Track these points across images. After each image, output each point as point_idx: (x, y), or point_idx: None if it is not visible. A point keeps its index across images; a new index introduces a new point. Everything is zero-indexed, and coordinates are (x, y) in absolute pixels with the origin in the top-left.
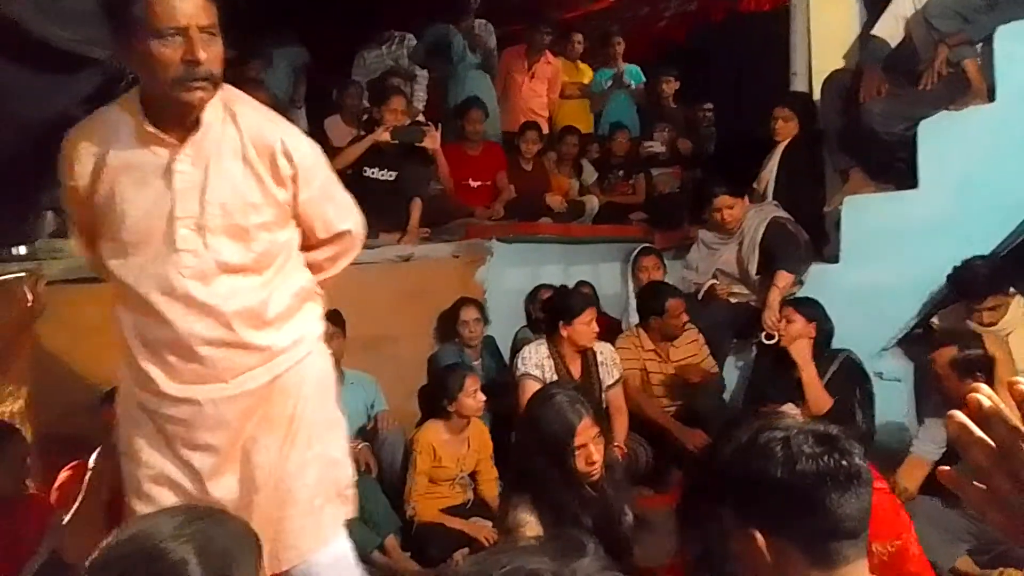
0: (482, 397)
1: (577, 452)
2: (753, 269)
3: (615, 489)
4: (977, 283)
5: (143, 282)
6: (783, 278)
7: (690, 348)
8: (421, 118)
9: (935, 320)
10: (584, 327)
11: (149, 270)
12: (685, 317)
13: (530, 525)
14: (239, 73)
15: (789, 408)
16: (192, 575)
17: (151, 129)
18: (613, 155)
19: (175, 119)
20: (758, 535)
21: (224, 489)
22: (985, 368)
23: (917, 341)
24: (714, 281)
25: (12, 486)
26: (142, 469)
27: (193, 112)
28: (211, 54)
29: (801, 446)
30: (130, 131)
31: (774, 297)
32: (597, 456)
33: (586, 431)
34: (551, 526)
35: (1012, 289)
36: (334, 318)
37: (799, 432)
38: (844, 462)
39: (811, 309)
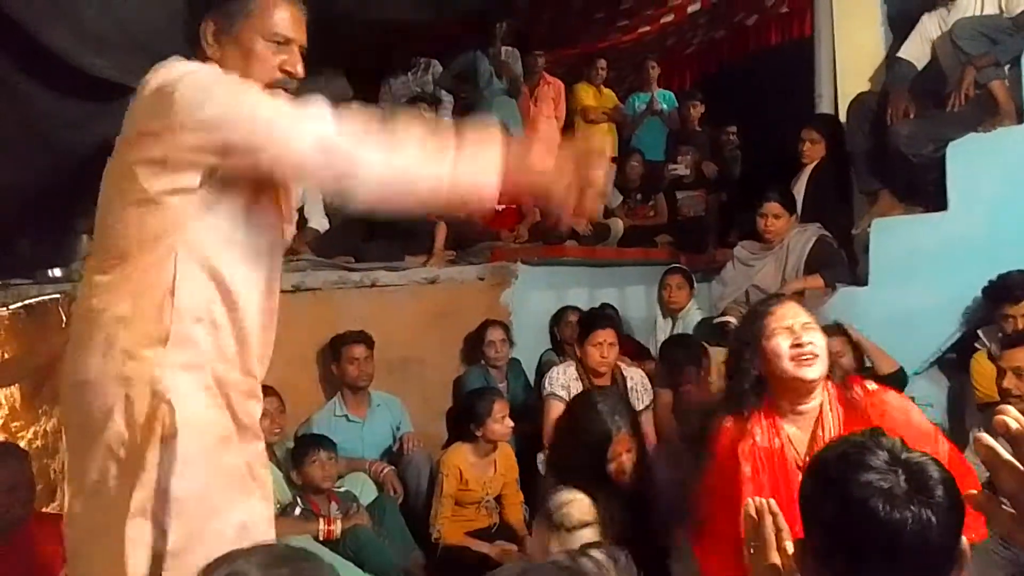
0: (510, 423)
1: (610, 461)
2: None
3: (657, 487)
4: (1014, 287)
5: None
6: (814, 280)
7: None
8: None
9: (980, 332)
10: (592, 348)
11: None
12: (700, 384)
13: (577, 502)
14: None
15: None
16: None
17: None
18: (629, 179)
19: None
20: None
21: None
22: None
23: (950, 365)
24: (730, 319)
25: (19, 507)
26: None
27: None
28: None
29: (877, 498)
30: None
31: (795, 285)
32: (628, 467)
33: (621, 443)
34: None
35: None
36: (365, 340)
37: (882, 477)
38: (918, 521)
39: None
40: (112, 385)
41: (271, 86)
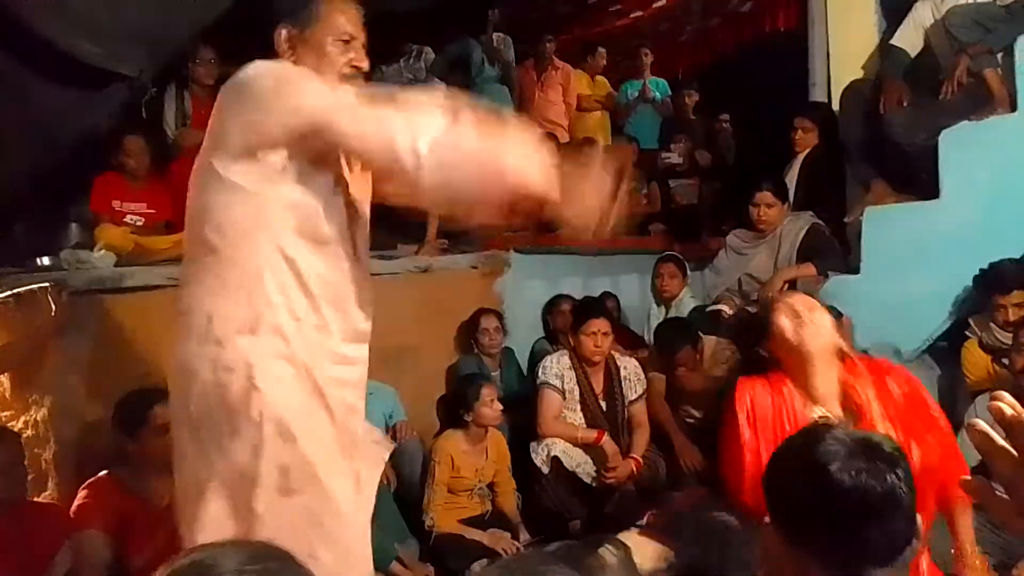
0: (499, 406)
1: None
2: None
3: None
4: (1006, 277)
5: None
6: (807, 267)
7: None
8: None
9: (971, 321)
10: (585, 338)
11: None
12: (695, 367)
13: None
14: None
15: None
16: None
17: None
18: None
19: None
20: (783, 543)
21: None
22: None
23: (941, 353)
24: (723, 307)
25: (11, 489)
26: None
27: None
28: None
29: (836, 462)
30: None
31: (787, 273)
32: None
33: None
34: None
35: None
36: None
37: (840, 446)
38: (880, 485)
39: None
40: (207, 371)
41: (341, 81)
